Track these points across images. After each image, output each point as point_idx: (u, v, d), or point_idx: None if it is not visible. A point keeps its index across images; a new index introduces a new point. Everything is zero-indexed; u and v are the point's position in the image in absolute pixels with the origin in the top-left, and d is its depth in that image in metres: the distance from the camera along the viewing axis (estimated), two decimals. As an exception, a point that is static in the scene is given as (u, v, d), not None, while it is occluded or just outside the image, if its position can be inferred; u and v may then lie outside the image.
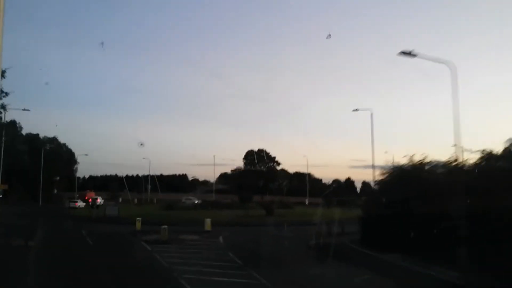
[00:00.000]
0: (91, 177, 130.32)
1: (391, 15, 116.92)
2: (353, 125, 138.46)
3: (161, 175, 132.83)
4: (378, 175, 24.76)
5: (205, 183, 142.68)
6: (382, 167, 23.67)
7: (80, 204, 65.66)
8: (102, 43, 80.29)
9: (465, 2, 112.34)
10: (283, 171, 79.79)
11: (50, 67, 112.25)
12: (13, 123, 69.00)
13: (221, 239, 26.27)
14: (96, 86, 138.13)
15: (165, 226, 23.45)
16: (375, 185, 27.45)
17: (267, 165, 78.02)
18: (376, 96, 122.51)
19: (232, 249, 21.49)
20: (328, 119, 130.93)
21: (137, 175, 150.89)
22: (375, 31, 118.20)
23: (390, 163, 22.55)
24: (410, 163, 20.50)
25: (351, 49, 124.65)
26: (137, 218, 29.63)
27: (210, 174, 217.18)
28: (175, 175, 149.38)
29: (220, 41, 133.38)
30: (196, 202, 61.50)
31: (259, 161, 76.33)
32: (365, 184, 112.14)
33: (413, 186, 18.69)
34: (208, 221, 29.37)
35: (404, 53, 17.04)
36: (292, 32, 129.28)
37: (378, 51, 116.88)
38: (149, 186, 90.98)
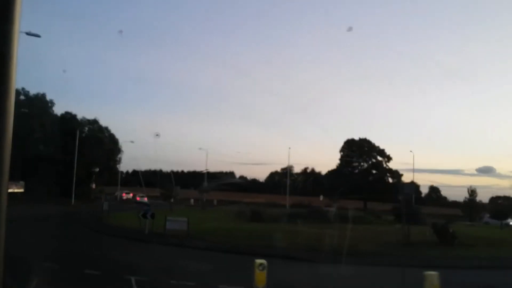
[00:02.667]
0: (135, 171, 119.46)
1: (413, 9, 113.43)
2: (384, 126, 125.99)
3: (208, 172, 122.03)
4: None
5: (254, 181, 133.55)
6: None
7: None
8: (121, 31, 69.08)
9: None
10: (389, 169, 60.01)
11: (68, 57, 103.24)
12: (41, 97, 55.33)
13: None
14: (116, 77, 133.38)
15: None
16: None
17: (371, 161, 59.33)
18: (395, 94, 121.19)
19: None
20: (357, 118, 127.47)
21: (182, 171, 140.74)
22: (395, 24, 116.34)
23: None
24: None
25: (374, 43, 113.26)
26: (259, 262, 12.49)
27: (256, 174, 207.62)
28: (222, 172, 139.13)
29: (240, 36, 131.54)
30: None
31: (362, 154, 58.27)
32: (433, 189, 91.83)
33: None
34: (434, 278, 11.73)
35: None
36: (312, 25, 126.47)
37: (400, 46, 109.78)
38: (206, 184, 75.60)
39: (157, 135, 45.33)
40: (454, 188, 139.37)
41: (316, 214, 38.28)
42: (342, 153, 60.27)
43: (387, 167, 58.63)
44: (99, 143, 63.36)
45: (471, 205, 46.50)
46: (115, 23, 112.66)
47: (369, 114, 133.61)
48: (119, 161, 71.50)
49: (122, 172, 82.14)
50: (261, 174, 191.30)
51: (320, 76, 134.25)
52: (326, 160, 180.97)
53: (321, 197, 66.61)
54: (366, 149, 57.74)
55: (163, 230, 24.44)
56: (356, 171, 59.31)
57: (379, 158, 58.23)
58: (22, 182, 46.25)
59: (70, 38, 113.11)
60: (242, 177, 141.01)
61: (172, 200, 56.80)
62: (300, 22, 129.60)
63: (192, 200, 64.98)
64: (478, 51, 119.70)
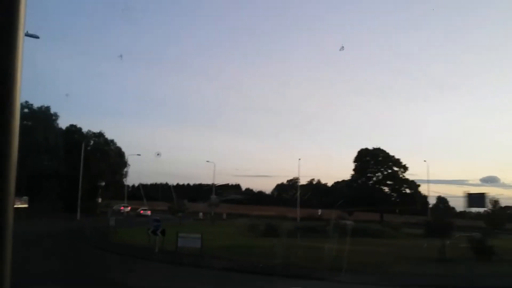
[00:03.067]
0: (141, 185, 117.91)
1: (402, 27, 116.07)
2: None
3: (214, 185, 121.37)
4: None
5: (260, 194, 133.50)
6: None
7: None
8: (121, 56, 70.55)
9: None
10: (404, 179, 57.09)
11: (70, 78, 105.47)
12: (45, 109, 54.08)
13: None
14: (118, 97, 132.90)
15: None
16: None
17: (386, 172, 56.79)
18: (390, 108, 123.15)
19: None
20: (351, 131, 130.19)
21: (188, 184, 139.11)
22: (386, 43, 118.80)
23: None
24: None
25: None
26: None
27: (261, 186, 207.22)
28: (228, 184, 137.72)
29: (235, 54, 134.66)
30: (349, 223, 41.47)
31: (376, 164, 56.01)
32: (440, 200, 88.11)
33: None
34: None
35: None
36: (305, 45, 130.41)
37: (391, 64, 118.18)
38: (214, 197, 73.57)
39: (158, 154, 44.44)
40: (458, 199, 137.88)
41: (332, 228, 36.17)
42: (356, 163, 58.13)
43: (403, 178, 56.41)
44: (105, 156, 61.85)
45: (494, 217, 44.27)
46: (118, 40, 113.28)
47: (370, 126, 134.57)
48: (125, 175, 69.86)
49: (128, 186, 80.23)
50: (266, 187, 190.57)
51: (321, 91, 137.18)
52: (332, 172, 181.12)
53: (319, 211, 64.92)
54: (380, 158, 55.64)
55: (174, 248, 22.59)
56: (371, 182, 57.03)
57: (395, 168, 56.07)
58: (25, 197, 44.57)
59: (74, 52, 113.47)
60: (248, 189, 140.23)
61: (179, 214, 54.86)
62: (297, 40, 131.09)
63: (201, 214, 62.95)
64: (481, 59, 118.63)
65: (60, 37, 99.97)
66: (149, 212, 64.21)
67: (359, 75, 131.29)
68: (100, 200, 63.83)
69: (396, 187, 55.26)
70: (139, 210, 65.37)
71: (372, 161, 55.93)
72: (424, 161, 59.50)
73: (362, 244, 27.62)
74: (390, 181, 55.55)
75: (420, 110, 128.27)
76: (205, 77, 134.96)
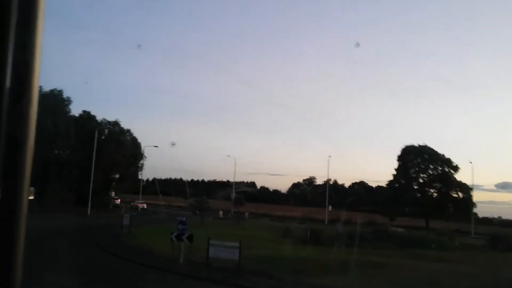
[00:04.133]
0: (155, 179, 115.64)
1: (417, 26, 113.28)
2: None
3: (228, 181, 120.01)
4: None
5: (276, 192, 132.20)
6: None
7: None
8: (139, 45, 68.11)
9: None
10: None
11: (90, 68, 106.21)
12: (58, 93, 50.11)
13: None
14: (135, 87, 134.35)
15: None
16: None
17: (436, 172, 50.84)
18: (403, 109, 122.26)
19: None
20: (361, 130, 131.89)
21: (203, 180, 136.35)
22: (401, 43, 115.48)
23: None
24: None
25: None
26: None
27: (278, 185, 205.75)
28: (243, 182, 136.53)
29: (249, 48, 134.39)
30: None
31: (422, 164, 50.41)
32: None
33: None
34: None
35: None
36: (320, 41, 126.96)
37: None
38: (234, 194, 69.21)
39: (173, 144, 41.12)
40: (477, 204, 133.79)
41: (383, 236, 31.12)
42: (399, 162, 52.17)
43: (456, 180, 50.21)
44: (120, 146, 57.54)
45: None
46: (136, 30, 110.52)
47: (383, 126, 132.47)
48: (141, 168, 65.53)
49: (142, 180, 75.93)
50: (281, 186, 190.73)
51: (335, 89, 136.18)
52: (346, 172, 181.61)
53: (330, 207, 62.88)
54: (426, 156, 49.86)
55: (203, 258, 17.90)
56: (415, 183, 51.27)
57: (446, 169, 50.04)
58: (32, 189, 40.41)
59: (90, 40, 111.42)
60: (263, 188, 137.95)
61: (198, 212, 50.31)
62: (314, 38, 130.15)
63: (220, 212, 58.52)
64: (498, 62, 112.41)
65: (78, 24, 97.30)
66: (145, 205, 65.19)
67: (376, 73, 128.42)
68: (113, 193, 60.05)
69: (443, 190, 49.38)
70: (136, 203, 64.41)
71: (419, 159, 50.17)
72: (470, 162, 53.72)
73: (434, 260, 22.60)
74: (439, 183, 49.68)
75: (434, 112, 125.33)
76: (220, 72, 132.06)
